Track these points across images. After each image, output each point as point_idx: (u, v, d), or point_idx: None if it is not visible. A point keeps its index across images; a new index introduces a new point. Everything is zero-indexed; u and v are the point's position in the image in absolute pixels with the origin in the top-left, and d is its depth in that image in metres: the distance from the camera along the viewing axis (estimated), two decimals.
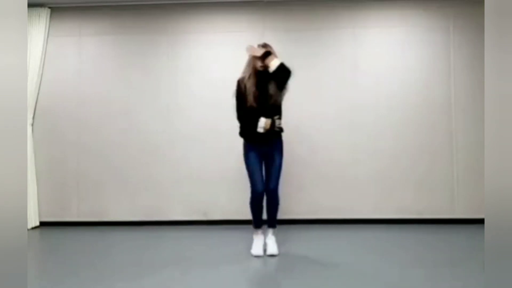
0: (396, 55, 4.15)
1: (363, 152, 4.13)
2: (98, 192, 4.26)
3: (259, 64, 2.90)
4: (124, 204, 4.24)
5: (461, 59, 4.12)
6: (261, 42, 3.08)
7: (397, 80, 4.14)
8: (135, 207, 4.23)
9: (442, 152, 4.10)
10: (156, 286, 2.45)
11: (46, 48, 4.29)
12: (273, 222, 3.14)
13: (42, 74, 4.28)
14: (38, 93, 4.26)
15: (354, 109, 4.15)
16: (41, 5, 4.25)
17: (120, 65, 4.30)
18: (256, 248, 3.06)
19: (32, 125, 4.26)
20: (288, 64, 2.90)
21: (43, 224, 4.25)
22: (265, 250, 3.09)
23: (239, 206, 3.86)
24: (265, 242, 3.13)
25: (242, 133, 3.04)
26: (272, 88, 2.92)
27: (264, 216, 3.10)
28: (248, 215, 3.11)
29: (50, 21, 4.29)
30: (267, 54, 2.88)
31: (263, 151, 3.01)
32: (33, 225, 4.16)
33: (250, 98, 2.90)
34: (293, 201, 4.11)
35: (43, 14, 4.25)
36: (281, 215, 4.05)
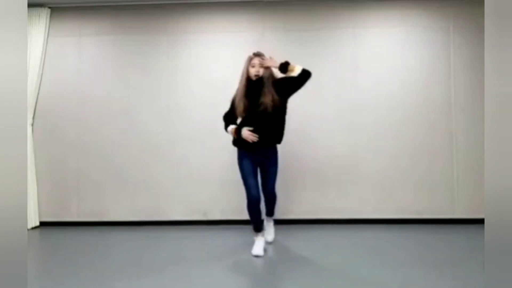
0: (396, 55, 4.15)
1: (363, 152, 4.13)
2: (98, 192, 4.26)
3: (253, 73, 2.92)
4: (124, 204, 4.24)
5: (461, 59, 4.12)
6: (255, 50, 3.07)
7: (397, 80, 4.14)
8: (135, 207, 4.23)
9: (442, 152, 4.10)
10: (156, 286, 2.45)
11: (46, 48, 4.29)
12: (271, 211, 3.30)
13: (42, 74, 4.28)
14: (38, 93, 4.26)
15: (354, 109, 4.15)
16: (41, 5, 4.25)
17: (120, 65, 4.30)
18: (257, 248, 3.06)
19: (32, 125, 4.26)
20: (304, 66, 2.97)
21: (43, 224, 4.25)
22: (265, 250, 3.10)
23: (239, 206, 3.85)
24: (265, 243, 3.15)
25: (235, 142, 3.06)
26: (264, 98, 2.89)
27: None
28: (247, 215, 3.11)
29: (50, 21, 4.29)
30: (286, 64, 2.96)
31: (257, 159, 3.03)
32: (33, 225, 4.17)
33: (240, 108, 2.93)
34: (293, 201, 4.11)
35: (43, 14, 4.25)
36: (281, 215, 4.07)
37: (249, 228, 3.22)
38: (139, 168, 4.24)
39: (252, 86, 2.94)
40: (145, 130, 4.25)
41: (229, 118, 3.11)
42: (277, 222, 4.06)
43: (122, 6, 4.31)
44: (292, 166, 4.07)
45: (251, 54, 3.01)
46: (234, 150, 3.13)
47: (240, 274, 2.69)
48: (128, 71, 4.29)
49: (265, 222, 3.31)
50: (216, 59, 4.22)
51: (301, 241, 3.46)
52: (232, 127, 3.03)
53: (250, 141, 2.90)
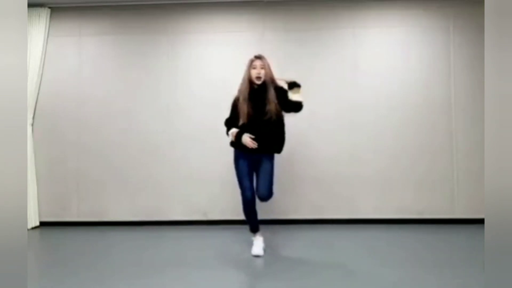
0: (396, 55, 4.15)
1: (363, 152, 4.13)
2: (98, 192, 4.26)
3: (254, 75, 2.91)
4: (124, 204, 4.24)
5: (461, 59, 4.12)
6: (257, 53, 3.05)
7: (397, 80, 4.14)
8: (135, 207, 4.23)
9: (442, 152, 4.10)
10: (156, 286, 2.45)
11: (46, 48, 4.29)
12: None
13: (42, 74, 4.28)
14: (38, 93, 4.26)
15: (354, 109, 4.15)
16: (41, 5, 4.25)
17: (120, 65, 4.30)
18: (256, 248, 3.06)
19: (32, 125, 4.26)
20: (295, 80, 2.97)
21: (43, 224, 4.25)
22: (265, 250, 3.10)
23: (239, 206, 3.85)
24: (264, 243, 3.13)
25: (232, 143, 3.05)
26: (271, 105, 2.89)
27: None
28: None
29: (50, 21, 4.29)
30: (294, 85, 2.94)
31: (253, 159, 3.01)
32: (33, 225, 4.17)
33: (243, 112, 2.90)
34: (293, 201, 4.11)
35: (43, 14, 4.25)
36: (281, 215, 4.07)
37: (249, 228, 3.21)
38: (139, 168, 4.24)
39: (255, 91, 2.93)
40: (145, 130, 4.25)
41: (230, 122, 3.06)
42: (277, 222, 4.07)
43: (122, 6, 4.31)
44: (292, 166, 4.07)
45: (252, 57, 3.00)
46: (229, 138, 3.11)
47: (240, 274, 2.68)
48: (128, 71, 4.29)
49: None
50: (216, 59, 4.22)
51: (301, 241, 3.46)
52: (234, 130, 2.98)
53: (250, 147, 2.89)
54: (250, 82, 2.94)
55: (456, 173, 4.08)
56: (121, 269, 2.78)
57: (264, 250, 3.10)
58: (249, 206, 3.00)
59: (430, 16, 4.15)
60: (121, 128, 4.26)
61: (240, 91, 3.00)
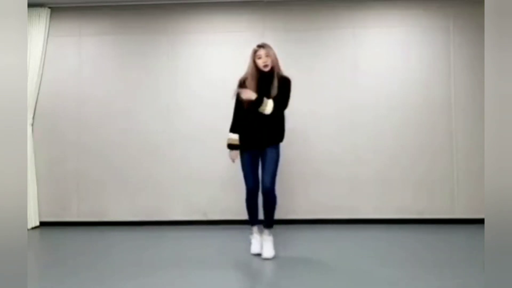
0: (396, 55, 4.15)
1: (363, 152, 4.13)
2: (98, 192, 4.26)
3: (261, 65, 2.86)
4: (124, 204, 4.24)
5: (461, 59, 4.12)
6: (261, 42, 3.04)
7: (397, 80, 4.14)
8: (135, 207, 4.23)
9: (442, 152, 4.09)
10: (156, 286, 2.45)
11: (46, 48, 4.29)
12: (269, 222, 3.02)
13: (42, 74, 4.28)
14: (38, 93, 4.26)
15: (354, 109, 4.15)
16: (41, 5, 4.25)
17: (120, 65, 4.30)
18: (254, 247, 3.07)
19: (32, 125, 4.26)
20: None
21: (43, 224, 4.25)
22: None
23: (239, 206, 3.85)
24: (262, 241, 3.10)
25: (229, 146, 3.05)
26: (274, 91, 2.87)
27: (261, 215, 3.08)
28: (246, 211, 3.11)
29: (50, 21, 4.29)
30: (260, 101, 2.83)
31: (257, 152, 3.00)
32: (33, 225, 4.16)
33: (251, 90, 2.86)
34: (293, 201, 4.11)
35: (43, 14, 4.25)
36: (281, 215, 4.06)
37: (249, 228, 3.21)
38: (139, 168, 4.24)
39: (263, 76, 2.89)
40: (145, 130, 4.25)
41: (236, 119, 3.03)
42: (277, 222, 4.05)
43: (122, 6, 4.30)
44: (292, 166, 4.07)
45: (255, 46, 2.94)
46: (226, 140, 3.11)
47: (239, 274, 2.69)
48: (128, 71, 4.29)
49: (262, 237, 3.07)
50: (216, 59, 4.22)
51: (300, 241, 3.46)
52: (235, 138, 3.01)
53: (250, 98, 2.83)
54: (258, 70, 2.89)
55: (456, 173, 4.08)
56: (121, 269, 2.78)
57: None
58: (251, 196, 3.01)
59: (430, 16, 4.15)
60: (121, 128, 4.26)
61: (247, 71, 2.94)
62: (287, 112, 3.06)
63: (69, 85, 4.30)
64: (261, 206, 3.02)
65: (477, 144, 4.03)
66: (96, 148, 4.27)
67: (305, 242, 3.44)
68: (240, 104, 2.96)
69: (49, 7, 4.28)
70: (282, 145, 3.08)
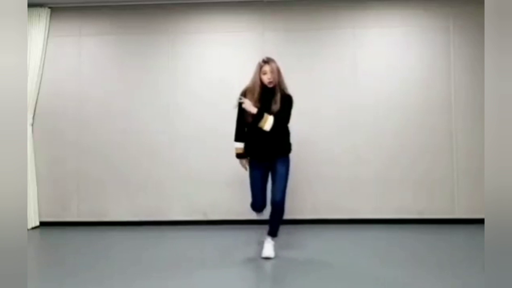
0: (396, 55, 4.15)
1: (363, 152, 4.13)
2: (98, 192, 4.25)
3: (266, 81, 2.85)
4: (124, 204, 4.24)
5: (461, 59, 4.12)
6: (265, 57, 2.94)
7: (397, 80, 4.14)
8: (135, 207, 4.23)
9: (442, 152, 4.09)
10: (156, 286, 2.45)
11: (46, 48, 4.29)
12: (274, 231, 3.02)
13: (42, 74, 4.28)
14: (38, 93, 4.26)
15: (354, 109, 4.15)
16: (41, 5, 4.25)
17: (120, 65, 4.30)
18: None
19: (32, 125, 4.26)
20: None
21: (43, 224, 4.25)
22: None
23: (239, 206, 3.86)
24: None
25: (238, 155, 3.07)
26: (275, 107, 2.85)
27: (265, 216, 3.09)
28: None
29: (50, 21, 4.29)
30: (260, 116, 2.82)
31: (266, 166, 3.01)
32: (33, 225, 4.16)
33: (254, 100, 2.86)
34: (293, 201, 4.09)
35: (43, 14, 4.25)
36: None
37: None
38: (139, 168, 4.24)
39: (266, 90, 2.89)
40: (145, 130, 4.25)
41: (239, 128, 3.03)
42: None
43: (122, 6, 4.30)
44: (292, 166, 4.06)
45: (260, 61, 2.91)
46: (234, 150, 3.11)
47: (239, 274, 2.68)
48: (128, 71, 4.29)
49: (265, 241, 3.04)
50: (216, 59, 4.22)
51: (301, 241, 3.46)
52: (240, 147, 3.02)
53: (251, 111, 2.84)
54: (262, 85, 2.88)
55: (456, 173, 4.08)
56: (121, 269, 2.78)
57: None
58: (257, 209, 3.14)
59: (430, 16, 4.15)
60: (121, 128, 4.26)
61: (251, 83, 2.93)
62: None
63: (69, 85, 4.30)
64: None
65: (477, 144, 4.03)
66: (96, 148, 4.27)
67: (304, 242, 3.44)
68: (242, 112, 2.96)
69: (49, 7, 4.28)
70: None
